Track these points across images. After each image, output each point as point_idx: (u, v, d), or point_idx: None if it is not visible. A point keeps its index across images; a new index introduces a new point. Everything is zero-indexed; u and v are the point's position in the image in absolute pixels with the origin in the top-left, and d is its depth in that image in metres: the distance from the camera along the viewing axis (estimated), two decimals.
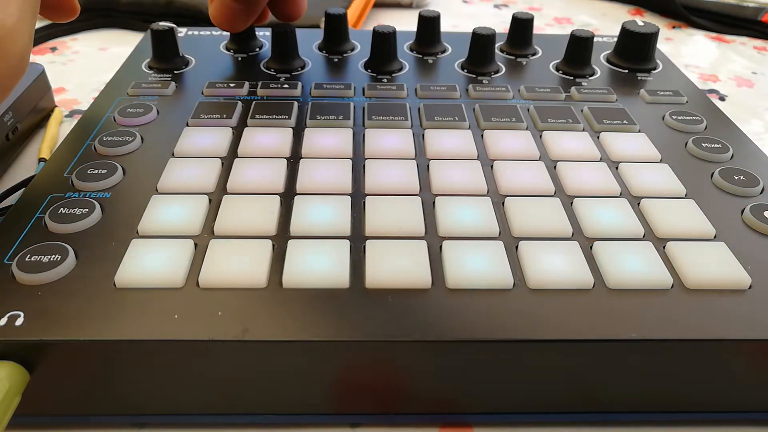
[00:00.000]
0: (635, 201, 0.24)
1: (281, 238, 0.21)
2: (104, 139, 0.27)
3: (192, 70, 0.34)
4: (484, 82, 0.33)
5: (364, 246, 0.21)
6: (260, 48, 0.36)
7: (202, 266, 0.20)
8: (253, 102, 0.30)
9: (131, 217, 0.22)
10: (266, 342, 0.18)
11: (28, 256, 0.20)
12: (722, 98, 0.43)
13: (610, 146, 0.27)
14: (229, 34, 0.37)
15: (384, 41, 0.34)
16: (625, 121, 0.29)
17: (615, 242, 0.22)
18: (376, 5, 0.57)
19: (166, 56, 0.34)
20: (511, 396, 0.20)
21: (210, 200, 0.23)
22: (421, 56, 0.36)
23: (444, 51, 0.37)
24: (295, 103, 0.30)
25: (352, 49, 0.36)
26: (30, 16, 0.21)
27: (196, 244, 0.21)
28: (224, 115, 0.29)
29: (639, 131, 0.29)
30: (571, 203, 0.24)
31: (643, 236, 0.22)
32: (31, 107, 0.34)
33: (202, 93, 0.31)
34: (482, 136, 0.28)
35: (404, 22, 0.52)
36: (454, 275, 0.20)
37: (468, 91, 0.32)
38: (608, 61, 0.36)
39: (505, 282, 0.20)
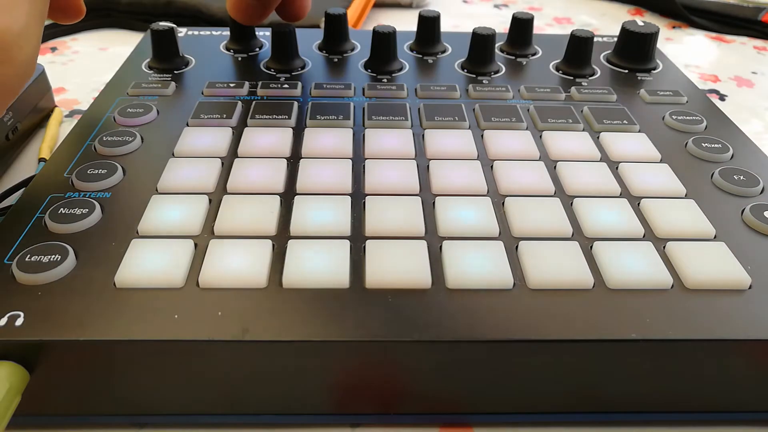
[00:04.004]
0: (635, 201, 0.24)
1: (281, 238, 0.21)
2: (104, 139, 0.27)
3: (192, 70, 0.34)
4: (484, 82, 0.33)
5: (364, 246, 0.21)
6: (260, 48, 0.36)
7: (202, 266, 0.20)
8: (253, 102, 0.30)
9: (131, 217, 0.22)
10: (266, 342, 0.18)
11: (28, 256, 0.20)
12: (722, 98, 0.43)
13: (610, 146, 0.27)
14: (229, 34, 0.37)
15: (384, 41, 0.34)
16: (625, 121, 0.29)
17: (615, 242, 0.22)
18: (376, 5, 0.57)
19: (166, 56, 0.34)
20: (511, 396, 0.20)
21: (210, 200, 0.23)
22: (421, 56, 0.36)
23: (444, 51, 0.37)
24: (295, 103, 0.30)
25: (352, 49, 0.36)
26: (38, 20, 0.21)
27: (196, 244, 0.21)
28: (224, 115, 0.29)
29: (639, 131, 0.29)
30: (571, 203, 0.24)
31: (643, 236, 0.22)
32: (31, 107, 0.34)
33: (202, 93, 0.31)
34: (482, 136, 0.28)
35: (404, 22, 0.52)
36: (454, 275, 0.20)
37: (468, 91, 0.32)
38: (608, 61, 0.36)
39: (505, 282, 0.20)
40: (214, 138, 0.27)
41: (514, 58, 0.36)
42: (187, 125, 0.28)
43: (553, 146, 0.27)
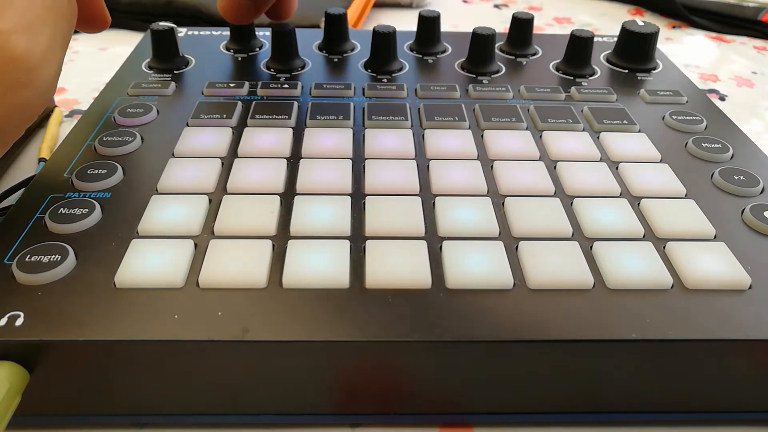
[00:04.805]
0: (635, 201, 0.24)
1: (281, 238, 0.21)
2: (104, 139, 0.27)
3: (192, 70, 0.34)
4: (484, 82, 0.33)
5: (364, 246, 0.21)
6: (260, 48, 0.36)
7: (202, 266, 0.20)
8: (253, 102, 0.30)
9: (131, 217, 0.22)
10: (266, 342, 0.18)
11: (28, 256, 0.20)
12: (722, 98, 0.43)
13: (610, 146, 0.27)
14: (229, 33, 0.37)
15: (384, 41, 0.34)
16: (625, 121, 0.29)
17: (615, 242, 0.22)
18: (376, 5, 0.57)
19: (166, 56, 0.34)
20: (511, 396, 0.20)
21: (210, 200, 0.23)
22: (421, 56, 0.36)
23: (444, 51, 0.37)
24: (295, 103, 0.30)
25: (352, 49, 0.36)
26: (61, 43, 0.21)
27: (196, 244, 0.21)
28: (224, 115, 0.29)
29: (639, 131, 0.29)
30: (571, 203, 0.24)
31: (643, 236, 0.22)
32: None
33: (202, 93, 0.31)
34: (482, 136, 0.28)
35: (404, 22, 0.52)
36: (454, 275, 0.20)
37: (468, 91, 0.32)
38: (608, 61, 0.36)
39: (505, 282, 0.20)
40: (214, 138, 0.27)
41: (514, 58, 0.36)
42: (187, 125, 0.28)
43: (553, 146, 0.27)
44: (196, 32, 0.38)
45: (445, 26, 0.48)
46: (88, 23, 0.25)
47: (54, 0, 0.20)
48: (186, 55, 0.35)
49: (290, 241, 0.21)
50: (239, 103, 0.30)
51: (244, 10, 0.32)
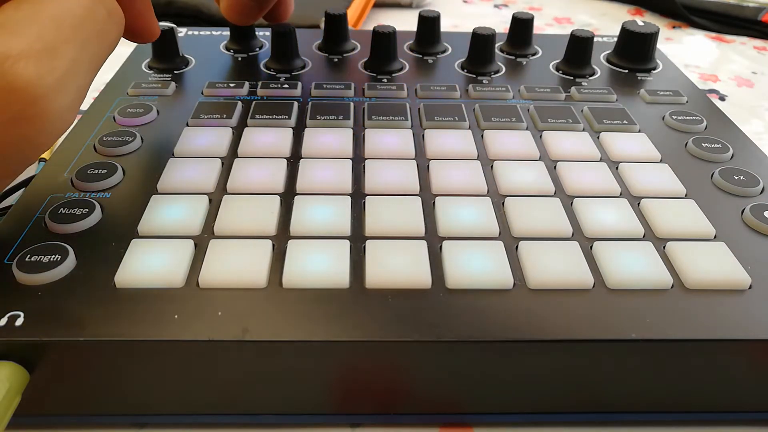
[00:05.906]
0: (635, 201, 0.24)
1: (281, 238, 0.21)
2: (104, 139, 0.27)
3: (192, 70, 0.34)
4: (484, 82, 0.33)
5: (364, 246, 0.21)
6: (260, 48, 0.36)
7: (202, 266, 0.20)
8: (253, 102, 0.30)
9: (131, 217, 0.22)
10: (266, 342, 0.18)
11: (28, 256, 0.20)
12: (722, 98, 0.43)
13: (610, 146, 0.27)
14: (229, 33, 0.37)
15: (384, 41, 0.34)
16: (625, 121, 0.29)
17: (615, 242, 0.22)
18: (376, 5, 0.57)
19: (166, 56, 0.34)
20: (511, 396, 0.20)
21: (210, 200, 0.23)
22: (421, 56, 0.36)
23: (444, 51, 0.37)
24: (295, 103, 0.30)
25: (352, 49, 0.36)
26: (87, 68, 0.18)
27: (196, 244, 0.21)
28: (224, 115, 0.29)
29: (639, 131, 0.29)
30: (571, 203, 0.24)
31: (643, 236, 0.22)
32: None
33: (202, 93, 0.31)
34: (482, 136, 0.28)
35: (404, 22, 0.52)
36: (454, 275, 0.20)
37: (468, 91, 0.32)
38: (608, 61, 0.36)
39: (505, 282, 0.20)
40: (214, 138, 0.27)
41: (514, 58, 0.36)
42: (187, 125, 0.28)
43: (553, 146, 0.27)
44: (196, 32, 0.38)
45: (445, 26, 0.48)
46: (134, 35, 0.23)
47: (88, 16, 0.18)
48: (186, 55, 0.35)
49: (290, 241, 0.21)
50: (239, 103, 0.30)
51: (246, 10, 0.32)
